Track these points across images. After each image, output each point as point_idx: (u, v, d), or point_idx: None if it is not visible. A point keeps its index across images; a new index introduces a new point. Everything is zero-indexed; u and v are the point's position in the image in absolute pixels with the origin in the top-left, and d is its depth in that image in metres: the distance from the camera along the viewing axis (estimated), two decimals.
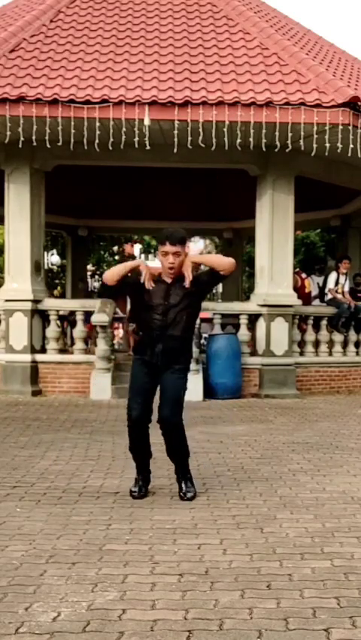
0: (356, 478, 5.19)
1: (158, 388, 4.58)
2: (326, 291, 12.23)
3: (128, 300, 10.17)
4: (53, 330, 10.62)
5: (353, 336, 11.88)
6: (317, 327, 11.55)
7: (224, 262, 4.52)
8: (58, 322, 10.92)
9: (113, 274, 4.55)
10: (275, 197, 10.73)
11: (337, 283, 12.06)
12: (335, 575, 3.19)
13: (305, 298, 11.95)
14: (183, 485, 4.59)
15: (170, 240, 4.43)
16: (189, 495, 4.54)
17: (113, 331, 11.45)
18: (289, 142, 9.41)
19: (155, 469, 5.19)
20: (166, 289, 4.50)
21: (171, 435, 4.52)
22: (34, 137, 9.37)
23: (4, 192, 10.89)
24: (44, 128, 9.26)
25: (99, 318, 10.12)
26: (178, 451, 4.59)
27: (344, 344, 11.76)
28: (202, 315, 11.54)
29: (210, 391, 10.23)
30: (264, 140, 9.94)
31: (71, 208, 16.03)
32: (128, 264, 4.64)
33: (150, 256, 31.23)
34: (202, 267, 4.81)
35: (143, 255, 30.89)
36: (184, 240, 4.50)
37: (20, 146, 9.44)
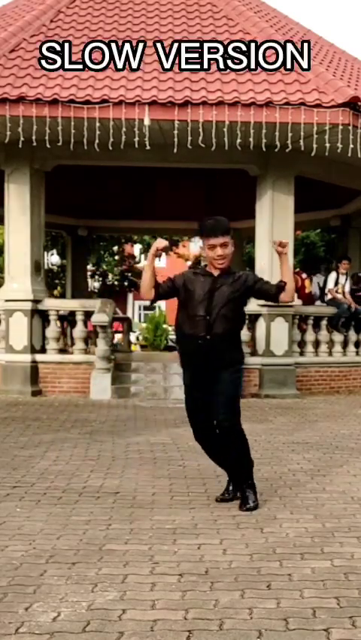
0: (356, 478, 5.19)
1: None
2: (326, 291, 12.23)
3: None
4: (53, 330, 10.62)
5: (353, 336, 11.88)
6: (317, 327, 11.55)
7: (292, 295, 4.40)
8: (58, 322, 10.92)
9: (146, 288, 4.33)
10: (275, 197, 10.73)
11: (337, 283, 12.06)
12: (335, 575, 3.18)
13: (305, 298, 11.94)
14: (244, 494, 4.38)
15: (215, 231, 4.22)
16: (244, 507, 4.30)
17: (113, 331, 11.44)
18: (289, 142, 9.41)
19: (156, 468, 5.20)
20: (212, 282, 4.27)
21: (228, 440, 4.35)
22: (34, 137, 9.37)
23: (4, 192, 10.89)
24: (44, 128, 9.26)
25: (99, 318, 10.12)
26: (237, 458, 4.41)
27: (344, 344, 11.76)
28: None
29: None
30: (264, 140, 9.94)
31: (71, 208, 16.02)
32: (148, 268, 4.34)
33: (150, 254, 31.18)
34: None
35: (143, 255, 30.88)
36: (229, 229, 4.29)
37: (20, 146, 9.44)
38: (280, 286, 4.38)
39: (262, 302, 10.55)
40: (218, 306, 4.23)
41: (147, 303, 43.21)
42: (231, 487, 4.55)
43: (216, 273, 4.31)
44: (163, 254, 4.35)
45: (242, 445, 4.41)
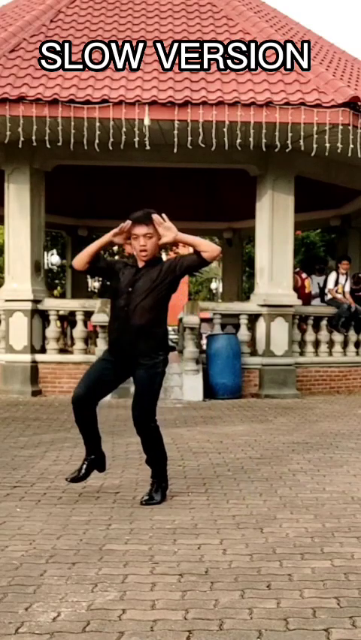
0: (356, 478, 5.19)
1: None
2: (326, 291, 12.23)
3: None
4: (53, 330, 10.62)
5: (353, 336, 11.88)
6: (316, 327, 11.55)
7: (212, 246, 4.35)
8: (58, 322, 10.92)
9: (82, 257, 4.36)
10: (275, 197, 10.74)
11: (337, 283, 12.07)
12: (335, 575, 3.18)
13: (305, 298, 11.94)
14: (152, 489, 4.46)
15: (139, 221, 4.25)
16: (145, 499, 4.40)
17: None
18: (289, 142, 9.41)
19: None
20: (134, 274, 4.30)
21: (142, 436, 4.47)
22: (34, 137, 9.37)
23: (4, 192, 10.89)
24: (44, 128, 9.26)
25: (99, 318, 10.12)
26: (151, 455, 4.50)
27: (344, 344, 11.76)
28: (202, 315, 11.55)
29: (210, 391, 10.23)
30: (264, 140, 9.94)
31: (71, 208, 16.03)
32: (97, 242, 4.36)
33: None
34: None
35: None
36: (153, 221, 4.28)
37: (20, 146, 9.44)
38: (196, 252, 4.33)
39: (262, 302, 10.66)
40: (138, 298, 4.25)
41: None
42: (84, 467, 4.52)
43: (141, 264, 4.34)
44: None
45: (156, 443, 4.50)
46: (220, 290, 24.72)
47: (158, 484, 4.51)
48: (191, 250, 4.49)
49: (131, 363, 4.35)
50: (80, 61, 9.39)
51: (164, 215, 4.33)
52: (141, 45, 9.46)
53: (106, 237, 4.38)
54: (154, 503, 4.39)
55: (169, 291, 4.37)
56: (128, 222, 4.30)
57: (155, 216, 4.30)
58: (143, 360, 4.31)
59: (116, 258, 25.82)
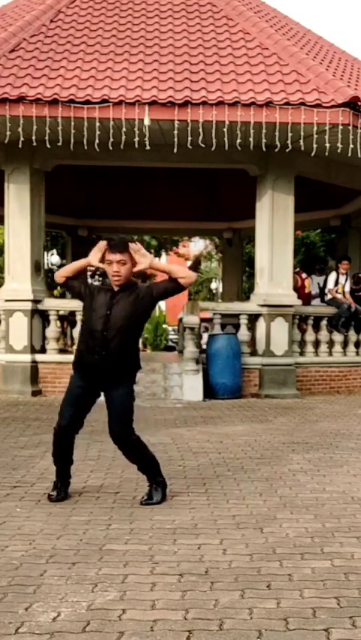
0: (356, 478, 5.19)
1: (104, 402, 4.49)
2: (326, 291, 12.23)
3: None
4: (53, 330, 10.61)
5: (353, 336, 11.88)
6: (316, 327, 11.55)
7: (187, 272, 4.45)
8: (58, 322, 10.92)
9: (66, 270, 4.52)
10: (275, 197, 10.73)
11: (337, 283, 12.06)
12: (335, 575, 3.19)
13: (305, 298, 11.94)
14: (151, 490, 4.53)
15: (112, 248, 4.31)
16: (144, 499, 4.47)
17: None
18: (289, 142, 9.41)
19: None
20: (110, 298, 4.35)
21: (124, 450, 4.51)
22: (34, 137, 9.37)
23: (4, 192, 10.89)
24: (44, 128, 9.26)
25: None
26: (139, 463, 4.56)
27: (344, 344, 11.76)
28: (202, 315, 11.55)
29: (210, 391, 10.23)
30: (264, 140, 9.94)
31: (71, 208, 16.03)
32: (79, 262, 4.53)
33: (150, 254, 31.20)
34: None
35: None
36: (129, 249, 4.35)
37: (20, 146, 9.44)
38: (172, 278, 4.40)
39: (262, 302, 10.66)
40: (117, 322, 4.31)
41: None
42: (60, 486, 4.56)
43: (116, 288, 4.40)
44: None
45: (140, 452, 4.54)
46: (220, 290, 24.73)
47: (156, 484, 4.53)
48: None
49: (104, 382, 4.43)
50: (80, 61, 9.38)
51: (138, 243, 4.44)
52: (141, 45, 9.44)
53: (89, 258, 4.44)
54: (154, 503, 4.41)
55: (146, 316, 4.51)
56: (104, 242, 4.39)
57: (131, 245, 4.38)
58: (120, 383, 4.42)
59: None
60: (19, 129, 9.14)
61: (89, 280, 22.40)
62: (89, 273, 22.82)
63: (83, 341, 4.50)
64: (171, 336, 30.76)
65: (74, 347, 10.57)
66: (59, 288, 25.06)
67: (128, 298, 4.35)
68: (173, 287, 4.40)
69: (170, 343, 29.49)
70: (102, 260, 4.39)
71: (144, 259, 4.35)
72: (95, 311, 4.35)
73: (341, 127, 9.17)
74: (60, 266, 25.49)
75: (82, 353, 4.48)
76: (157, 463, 4.60)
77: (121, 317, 4.31)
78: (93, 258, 4.41)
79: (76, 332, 10.77)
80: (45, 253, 16.82)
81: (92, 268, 4.68)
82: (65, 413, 4.45)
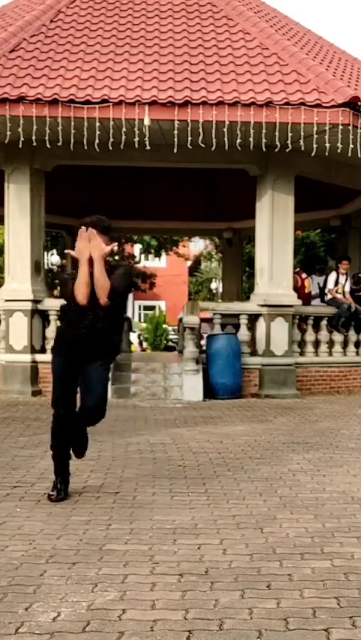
0: (356, 478, 5.19)
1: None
2: (326, 291, 12.23)
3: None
4: (53, 330, 10.60)
5: (353, 336, 11.87)
6: (316, 327, 11.55)
7: (103, 291, 4.34)
8: (58, 322, 10.91)
9: (85, 290, 4.38)
10: (275, 197, 10.73)
11: (337, 283, 12.06)
12: (335, 575, 3.18)
13: (305, 298, 11.94)
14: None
15: (87, 226, 4.41)
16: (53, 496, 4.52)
17: None
18: (289, 142, 9.41)
19: (156, 468, 5.20)
20: (90, 275, 4.39)
21: (95, 423, 4.62)
22: (34, 137, 9.37)
23: (4, 192, 10.89)
24: (44, 128, 9.26)
25: None
26: (84, 439, 4.69)
27: (344, 344, 11.76)
28: (202, 315, 11.55)
29: (210, 391, 10.23)
30: (264, 140, 9.94)
31: (71, 208, 16.01)
32: (83, 271, 4.42)
33: (150, 256, 31.22)
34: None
35: (142, 255, 30.87)
36: (105, 229, 4.45)
37: (20, 146, 9.44)
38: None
39: (262, 302, 10.66)
40: (98, 305, 4.36)
41: (148, 302, 42.80)
42: (60, 486, 4.58)
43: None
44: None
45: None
46: (220, 290, 24.72)
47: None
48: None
49: (86, 357, 4.48)
50: (80, 61, 9.38)
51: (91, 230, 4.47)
52: (141, 45, 9.45)
53: (86, 254, 4.46)
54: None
55: (126, 296, 4.58)
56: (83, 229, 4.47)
57: (89, 231, 4.44)
58: (102, 359, 4.53)
59: (116, 258, 25.86)
60: (19, 129, 9.15)
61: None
62: None
63: (65, 318, 4.60)
64: (171, 336, 30.74)
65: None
66: (58, 288, 25.08)
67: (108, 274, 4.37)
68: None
69: (170, 343, 29.47)
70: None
71: (94, 250, 4.38)
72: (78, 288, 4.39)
73: (341, 127, 9.17)
74: (60, 266, 25.49)
75: (65, 329, 4.59)
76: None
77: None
78: (88, 250, 4.42)
79: None
80: (45, 253, 16.82)
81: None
82: (60, 402, 4.55)
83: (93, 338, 4.41)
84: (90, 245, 4.40)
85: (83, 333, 4.40)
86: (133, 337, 23.29)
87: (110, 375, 4.66)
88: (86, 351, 4.45)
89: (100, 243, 4.40)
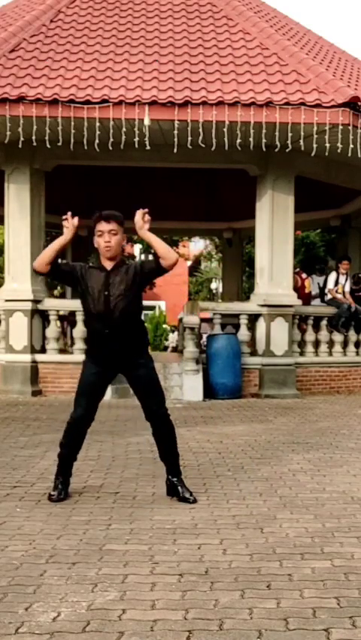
0: (356, 478, 5.19)
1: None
2: (326, 291, 12.23)
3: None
4: (53, 330, 10.61)
5: (353, 336, 11.88)
6: (316, 327, 11.55)
7: (171, 255, 4.30)
8: (58, 322, 10.92)
9: (43, 258, 4.35)
10: (275, 197, 10.73)
11: (337, 283, 12.06)
12: (335, 575, 3.18)
13: (305, 298, 11.95)
14: (180, 488, 4.51)
15: (104, 218, 4.33)
16: (189, 496, 4.46)
17: None
18: (289, 142, 9.41)
19: (157, 468, 5.20)
20: (106, 277, 4.33)
21: (164, 428, 4.51)
22: (34, 137, 9.37)
23: (4, 192, 10.89)
24: (44, 128, 9.26)
25: None
26: (172, 445, 4.54)
27: (344, 344, 11.76)
28: (202, 315, 11.55)
29: (210, 391, 10.23)
30: (264, 140, 9.94)
31: (71, 208, 15.98)
32: (56, 242, 4.38)
33: (150, 256, 31.25)
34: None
35: (143, 256, 30.88)
36: (120, 220, 4.38)
37: (20, 146, 9.44)
38: (157, 260, 4.36)
39: (262, 302, 10.66)
40: (120, 302, 4.31)
41: (148, 302, 42.87)
42: (61, 487, 4.54)
43: (108, 266, 4.37)
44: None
45: (174, 432, 4.60)
46: (220, 290, 24.73)
47: (181, 479, 4.54)
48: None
49: (120, 364, 4.45)
50: (80, 61, 9.38)
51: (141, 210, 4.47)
52: (141, 45, 9.45)
53: (62, 239, 4.42)
54: (192, 500, 4.41)
55: (141, 291, 4.49)
56: (76, 219, 4.42)
57: (141, 211, 4.43)
58: (139, 360, 4.44)
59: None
60: (19, 129, 9.15)
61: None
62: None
63: (89, 326, 4.52)
64: (171, 336, 30.73)
65: (75, 347, 10.65)
66: (59, 288, 25.10)
67: (123, 276, 4.34)
68: (156, 268, 4.37)
69: (167, 344, 29.47)
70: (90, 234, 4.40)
71: (142, 224, 4.35)
72: (93, 294, 4.34)
73: (341, 127, 9.17)
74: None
75: (92, 338, 4.51)
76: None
77: (120, 296, 4.31)
78: (68, 233, 4.40)
79: (76, 332, 10.77)
80: None
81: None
82: (81, 403, 4.47)
83: (119, 342, 4.33)
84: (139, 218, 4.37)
85: (107, 341, 4.34)
86: None
87: (152, 371, 4.50)
88: (117, 355, 4.39)
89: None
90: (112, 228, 4.32)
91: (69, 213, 4.46)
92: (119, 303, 4.30)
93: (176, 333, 33.05)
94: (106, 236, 4.32)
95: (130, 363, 4.43)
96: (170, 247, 4.38)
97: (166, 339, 30.88)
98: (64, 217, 4.44)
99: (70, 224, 4.42)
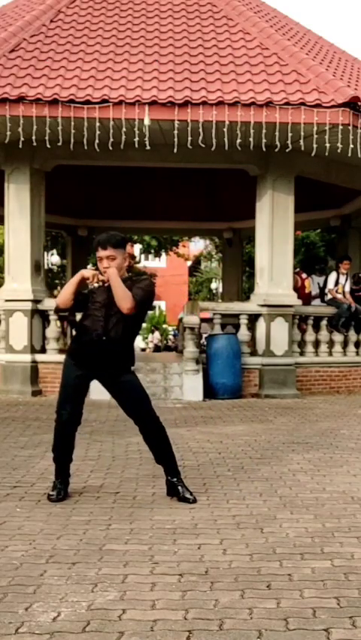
0: (356, 478, 5.19)
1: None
2: (326, 291, 12.23)
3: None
4: (53, 330, 10.61)
5: (353, 336, 11.88)
6: (316, 327, 11.55)
7: (122, 304, 4.30)
8: (58, 322, 10.92)
9: (66, 296, 4.45)
10: (275, 197, 10.73)
11: (337, 283, 12.06)
12: (335, 575, 3.18)
13: (305, 298, 11.94)
14: (180, 488, 4.52)
15: (100, 244, 4.37)
16: (189, 496, 4.48)
17: None
18: (289, 142, 9.41)
19: (157, 468, 5.19)
20: (108, 289, 4.38)
21: (155, 431, 4.53)
22: (34, 137, 9.37)
23: (4, 192, 10.89)
24: (44, 128, 9.26)
25: None
26: (165, 448, 4.55)
27: (344, 344, 11.76)
28: (202, 315, 11.55)
29: (210, 391, 10.23)
30: (264, 140, 9.94)
31: (71, 208, 16.04)
32: (74, 280, 4.47)
33: (150, 256, 31.23)
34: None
35: (143, 255, 30.89)
36: (118, 243, 4.39)
37: (20, 146, 9.44)
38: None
39: (262, 302, 10.67)
40: (116, 310, 4.36)
41: None
42: (60, 487, 4.54)
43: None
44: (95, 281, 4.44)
45: (165, 433, 4.60)
46: (220, 290, 24.72)
47: (179, 477, 4.55)
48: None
49: (102, 370, 4.49)
50: (80, 61, 9.38)
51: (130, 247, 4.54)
52: (141, 45, 9.45)
53: (79, 274, 4.47)
54: (192, 500, 4.42)
55: (140, 311, 4.46)
56: (88, 272, 4.47)
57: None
58: (121, 368, 4.52)
59: None
60: (19, 129, 9.15)
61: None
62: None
63: (81, 327, 4.56)
64: (171, 337, 30.74)
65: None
66: (58, 288, 25.08)
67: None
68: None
69: (170, 343, 29.46)
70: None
71: (109, 269, 4.34)
72: (95, 301, 4.44)
73: (341, 127, 9.18)
74: (60, 266, 25.51)
75: (80, 338, 4.53)
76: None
77: (119, 312, 4.36)
78: (84, 272, 4.46)
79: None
80: (45, 253, 16.82)
81: (92, 269, 4.66)
82: (65, 407, 4.49)
83: (107, 347, 4.39)
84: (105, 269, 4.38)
85: (96, 343, 4.38)
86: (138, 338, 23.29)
87: (137, 379, 4.59)
88: (101, 360, 4.43)
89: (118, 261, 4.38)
90: (109, 254, 4.36)
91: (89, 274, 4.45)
92: (118, 312, 4.35)
93: (157, 332, 33.03)
94: (105, 262, 4.38)
95: (112, 373, 4.50)
96: (128, 294, 4.32)
97: (166, 339, 30.90)
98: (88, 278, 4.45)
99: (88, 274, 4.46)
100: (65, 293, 4.48)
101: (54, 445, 4.61)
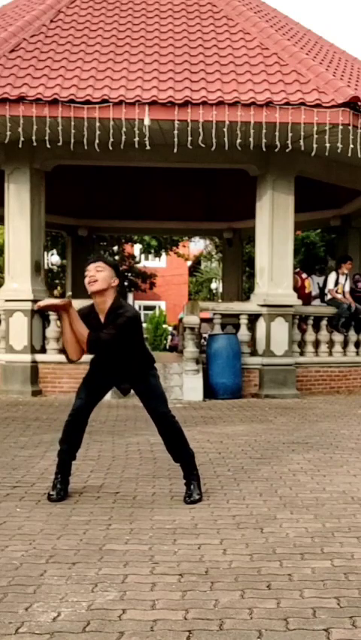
0: (356, 478, 5.19)
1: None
2: (326, 291, 12.23)
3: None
4: (53, 330, 10.61)
5: (353, 336, 11.88)
6: (316, 327, 11.55)
7: (83, 346, 4.31)
8: (58, 322, 10.91)
9: (72, 349, 4.35)
10: (275, 197, 10.73)
11: (337, 283, 12.07)
12: (335, 575, 3.18)
13: (305, 298, 11.95)
14: (186, 490, 4.50)
15: (92, 261, 4.40)
16: (187, 498, 4.46)
17: None
18: (289, 142, 9.41)
19: (157, 468, 5.20)
20: (100, 324, 4.37)
21: (171, 430, 4.55)
22: (34, 137, 9.37)
23: (4, 192, 10.90)
24: (44, 128, 9.26)
25: None
26: (180, 448, 4.57)
27: (344, 344, 11.76)
28: (202, 315, 11.55)
29: (210, 391, 10.23)
30: (264, 140, 9.94)
31: (71, 208, 16.04)
32: (66, 325, 4.37)
33: (150, 256, 31.22)
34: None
35: (142, 255, 30.87)
36: (110, 262, 4.41)
37: (20, 146, 9.45)
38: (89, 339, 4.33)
39: (262, 302, 10.67)
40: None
41: (148, 302, 42.64)
42: (60, 486, 4.54)
43: (102, 317, 4.40)
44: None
45: (181, 433, 4.64)
46: (220, 290, 24.72)
47: (192, 478, 4.54)
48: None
49: (124, 378, 4.56)
50: (80, 61, 9.38)
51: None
52: (141, 45, 9.45)
53: (64, 319, 4.41)
54: (197, 501, 4.42)
55: (129, 338, 4.42)
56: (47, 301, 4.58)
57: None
58: (142, 373, 4.53)
59: (117, 257, 25.87)
60: (19, 129, 9.15)
61: None
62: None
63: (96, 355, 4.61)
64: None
65: None
66: (59, 288, 25.09)
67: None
68: None
69: (170, 343, 29.45)
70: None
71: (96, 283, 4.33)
72: (90, 326, 4.40)
73: (341, 127, 9.18)
74: (60, 266, 25.50)
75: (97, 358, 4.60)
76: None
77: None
78: (63, 314, 4.40)
79: None
80: (45, 253, 16.83)
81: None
82: (81, 395, 4.53)
83: (120, 371, 4.50)
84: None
85: (109, 368, 4.49)
86: None
87: (157, 381, 4.58)
88: (110, 367, 4.49)
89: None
90: (98, 265, 4.34)
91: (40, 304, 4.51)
92: (115, 351, 4.37)
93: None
94: (91, 272, 4.34)
95: (134, 379, 4.53)
96: (85, 338, 4.30)
97: (166, 339, 30.88)
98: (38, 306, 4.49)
99: (50, 304, 4.52)
100: (69, 346, 4.37)
101: (62, 437, 4.58)
